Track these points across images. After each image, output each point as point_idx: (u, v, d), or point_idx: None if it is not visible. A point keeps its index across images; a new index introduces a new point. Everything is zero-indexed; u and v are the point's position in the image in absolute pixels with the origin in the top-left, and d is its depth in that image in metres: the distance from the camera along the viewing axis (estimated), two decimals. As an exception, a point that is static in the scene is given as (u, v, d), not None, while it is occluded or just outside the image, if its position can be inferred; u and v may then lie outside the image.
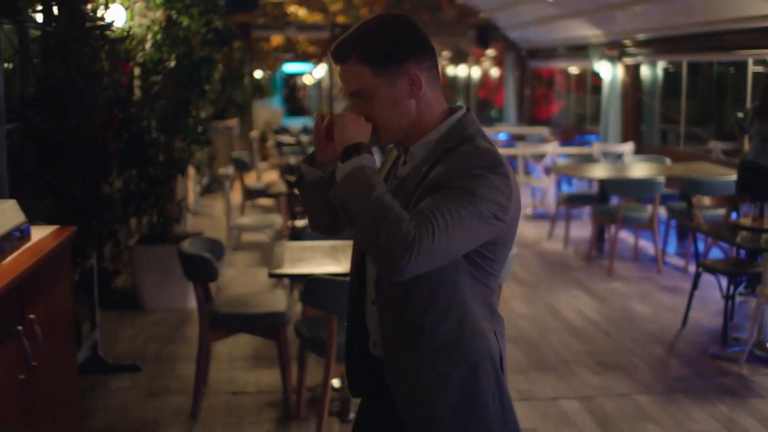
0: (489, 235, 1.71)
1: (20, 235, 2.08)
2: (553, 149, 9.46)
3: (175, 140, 5.79)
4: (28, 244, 2.12)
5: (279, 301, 4.11)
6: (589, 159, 9.36)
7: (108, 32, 3.94)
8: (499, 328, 1.87)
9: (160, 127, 5.53)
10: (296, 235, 4.57)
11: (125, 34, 4.25)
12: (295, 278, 4.03)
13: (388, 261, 1.58)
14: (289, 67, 29.03)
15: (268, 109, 20.57)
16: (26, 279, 1.91)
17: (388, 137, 1.83)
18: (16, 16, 3.45)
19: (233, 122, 13.00)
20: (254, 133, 12.57)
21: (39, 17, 4.05)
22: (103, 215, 4.71)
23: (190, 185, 8.93)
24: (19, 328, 1.89)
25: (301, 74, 31.42)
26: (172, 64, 5.45)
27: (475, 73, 17.44)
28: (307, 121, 19.22)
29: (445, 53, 18.20)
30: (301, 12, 16.12)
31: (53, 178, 3.72)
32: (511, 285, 6.46)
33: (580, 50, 11.71)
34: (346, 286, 3.38)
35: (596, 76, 11.54)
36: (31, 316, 1.95)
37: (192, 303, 5.61)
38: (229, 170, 7.24)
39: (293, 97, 33.53)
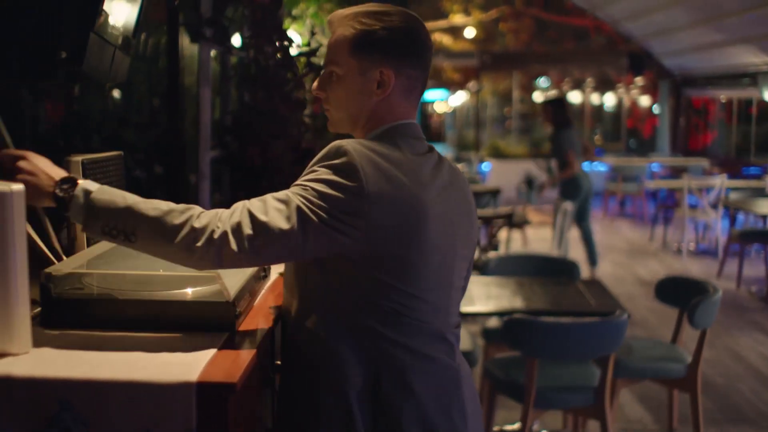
0: (331, 239, 1.49)
1: (264, 274, 2.04)
2: (722, 182, 8.96)
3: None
4: (269, 283, 2.08)
5: (464, 339, 4.00)
6: (760, 193, 8.82)
7: (313, 59, 3.98)
8: (391, 365, 1.57)
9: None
10: (479, 268, 4.44)
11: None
12: (479, 315, 3.90)
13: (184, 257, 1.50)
14: (429, 95, 29.22)
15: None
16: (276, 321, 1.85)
17: (334, 125, 1.70)
18: (226, 42, 3.53)
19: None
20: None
21: (235, 42, 4.14)
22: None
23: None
24: (270, 376, 1.83)
25: (437, 101, 31.55)
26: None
27: (623, 101, 16.92)
28: (441, 148, 19.20)
29: (589, 80, 17.78)
30: (445, 39, 16.14)
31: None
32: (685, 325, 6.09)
33: (742, 77, 11.12)
34: (549, 327, 3.28)
35: (750, 106, 10.90)
36: (278, 362, 1.88)
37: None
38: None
39: (427, 123, 33.79)
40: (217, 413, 1.39)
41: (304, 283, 1.61)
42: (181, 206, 1.51)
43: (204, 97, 3.81)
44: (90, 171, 2.08)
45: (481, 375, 3.94)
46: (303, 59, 4.18)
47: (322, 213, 1.47)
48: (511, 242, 7.94)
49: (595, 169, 14.95)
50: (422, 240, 1.56)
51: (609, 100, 17.73)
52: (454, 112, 29.12)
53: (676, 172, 11.67)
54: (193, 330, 1.62)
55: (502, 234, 7.38)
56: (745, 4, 9.15)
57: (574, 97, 17.35)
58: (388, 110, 1.63)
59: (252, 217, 1.47)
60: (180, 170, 3.59)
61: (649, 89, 15.41)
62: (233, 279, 1.81)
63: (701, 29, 10.65)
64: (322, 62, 4.59)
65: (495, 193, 8.21)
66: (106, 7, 2.02)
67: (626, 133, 16.57)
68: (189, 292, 1.70)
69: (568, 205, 6.85)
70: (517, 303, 3.69)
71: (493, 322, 4.18)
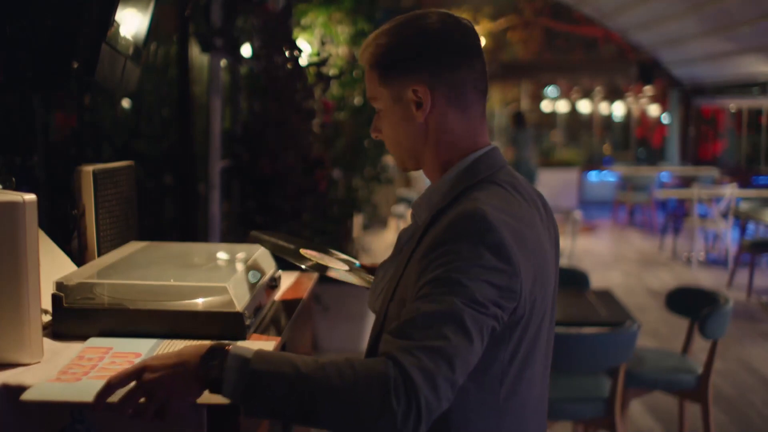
0: (492, 331, 1.25)
1: (275, 284, 2.04)
2: (732, 191, 8.92)
3: (353, 178, 5.83)
4: (279, 293, 2.08)
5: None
6: (770, 203, 8.79)
7: (323, 69, 4.00)
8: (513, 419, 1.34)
9: (340, 164, 5.58)
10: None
11: (340, 72, 4.32)
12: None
13: None
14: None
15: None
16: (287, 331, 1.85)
17: (399, 162, 1.48)
18: (236, 52, 3.55)
19: (391, 159, 13.11)
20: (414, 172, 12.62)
21: (245, 52, 4.16)
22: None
23: (357, 222, 9.01)
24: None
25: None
26: (356, 101, 5.50)
27: (632, 110, 16.90)
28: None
29: (598, 89, 17.76)
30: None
31: (258, 217, 3.78)
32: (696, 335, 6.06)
33: (752, 87, 11.09)
34: (560, 338, 3.25)
35: (760, 115, 10.87)
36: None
37: (365, 343, 5.56)
38: (400, 208, 7.24)
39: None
40: (228, 431, 1.39)
41: None
42: (363, 369, 1.16)
43: (214, 107, 3.82)
44: (101, 181, 2.09)
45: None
46: (313, 69, 4.19)
47: (489, 308, 1.22)
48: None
49: (605, 178, 14.94)
50: (548, 295, 1.40)
51: (618, 109, 17.70)
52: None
53: (685, 182, 11.64)
54: (203, 340, 1.62)
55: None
56: (756, 13, 9.13)
57: (584, 106, 17.34)
58: (445, 129, 1.40)
59: (439, 353, 1.16)
60: (190, 180, 3.60)
61: (659, 98, 15.39)
62: (243, 289, 1.82)
63: (711, 38, 10.64)
64: (331, 72, 4.64)
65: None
66: (117, 17, 2.04)
67: (636, 142, 16.54)
68: (199, 302, 1.70)
69: (577, 214, 6.84)
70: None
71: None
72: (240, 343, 1.43)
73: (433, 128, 1.40)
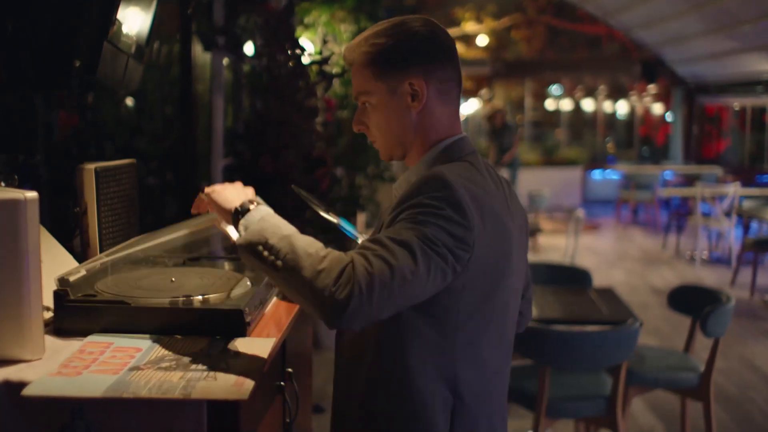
0: (444, 276, 1.42)
1: (274, 281, 2.04)
2: (735, 190, 8.92)
3: (356, 176, 5.83)
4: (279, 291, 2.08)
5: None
6: (774, 201, 8.78)
7: (325, 67, 3.99)
8: (464, 408, 1.51)
9: (342, 162, 5.58)
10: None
11: (342, 70, 4.32)
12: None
13: (319, 309, 1.36)
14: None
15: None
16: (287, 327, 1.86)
17: (386, 153, 1.63)
18: (238, 51, 3.56)
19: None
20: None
21: (247, 50, 4.16)
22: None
23: (360, 220, 9.02)
24: (281, 383, 1.83)
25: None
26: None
27: (636, 109, 16.87)
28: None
29: (602, 88, 17.74)
30: (458, 47, 16.11)
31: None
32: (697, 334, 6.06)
33: (756, 85, 11.08)
34: (561, 336, 3.27)
35: (764, 113, 10.85)
36: (289, 369, 1.89)
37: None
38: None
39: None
40: (227, 428, 1.40)
41: (394, 326, 1.48)
42: (323, 250, 1.42)
43: (216, 105, 3.83)
44: (103, 179, 2.10)
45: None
46: (315, 67, 4.20)
47: (441, 248, 1.40)
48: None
49: (608, 177, 14.93)
50: (508, 267, 1.55)
51: (622, 107, 17.68)
52: (467, 119, 29.15)
53: (689, 180, 11.62)
54: (204, 336, 1.63)
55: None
56: (759, 11, 9.12)
57: (587, 105, 17.32)
58: (432, 120, 1.58)
59: (383, 261, 1.36)
60: (192, 178, 3.61)
61: (662, 97, 15.36)
62: (243, 287, 1.82)
63: (715, 37, 10.62)
64: (334, 71, 4.64)
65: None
66: (119, 16, 2.04)
67: (639, 141, 16.51)
68: (200, 299, 1.71)
69: (580, 212, 6.84)
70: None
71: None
72: (240, 339, 1.60)
73: (423, 118, 1.58)
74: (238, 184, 1.66)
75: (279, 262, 1.40)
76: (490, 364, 1.56)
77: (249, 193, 1.64)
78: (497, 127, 11.82)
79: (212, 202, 1.63)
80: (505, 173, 11.15)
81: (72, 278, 1.69)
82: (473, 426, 1.54)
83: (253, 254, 1.44)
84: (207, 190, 1.66)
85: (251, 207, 1.55)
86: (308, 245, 1.42)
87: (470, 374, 1.52)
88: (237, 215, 1.55)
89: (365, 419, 1.54)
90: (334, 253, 1.40)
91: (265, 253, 1.42)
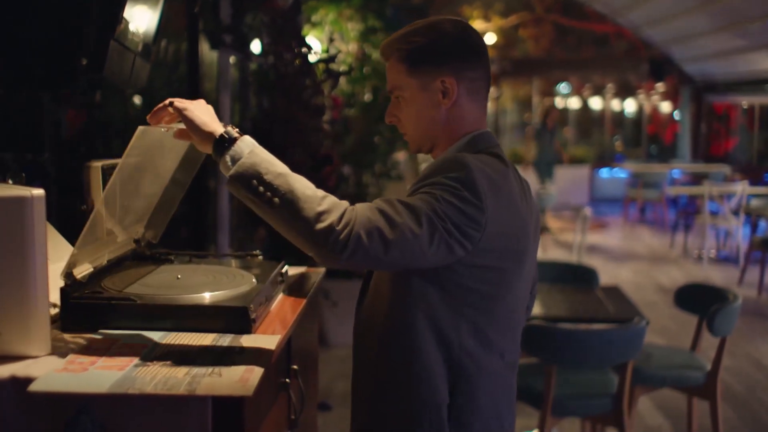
0: (450, 250, 1.48)
1: (282, 279, 2.05)
2: (743, 188, 8.89)
3: (363, 174, 5.83)
4: (285, 288, 2.08)
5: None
6: (783, 199, 8.74)
7: (332, 66, 4.00)
8: (465, 379, 1.58)
9: (349, 161, 5.58)
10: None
11: (349, 69, 4.32)
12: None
13: (315, 249, 1.43)
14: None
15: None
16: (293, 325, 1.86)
17: (414, 145, 1.70)
18: (245, 49, 3.56)
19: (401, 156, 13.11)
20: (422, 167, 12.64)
21: (254, 49, 4.17)
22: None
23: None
24: (286, 380, 1.84)
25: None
26: (366, 97, 5.50)
27: (644, 107, 16.82)
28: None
29: (610, 86, 17.70)
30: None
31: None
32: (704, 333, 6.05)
33: (764, 84, 11.03)
34: (568, 334, 3.26)
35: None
36: (294, 366, 1.89)
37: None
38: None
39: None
40: (232, 424, 1.41)
41: (404, 290, 1.57)
42: (320, 191, 1.48)
43: (223, 103, 3.84)
44: (109, 176, 2.10)
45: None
46: (322, 66, 4.20)
47: (447, 223, 1.47)
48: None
49: (616, 175, 14.89)
50: (521, 254, 1.61)
51: (630, 106, 17.64)
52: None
53: (697, 179, 11.58)
54: (210, 333, 1.64)
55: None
56: (764, 11, 9.07)
57: (595, 103, 17.28)
58: (461, 116, 1.65)
59: (386, 216, 1.45)
60: (199, 176, 3.61)
61: (671, 95, 15.31)
62: (249, 284, 1.83)
63: (723, 35, 10.58)
64: (341, 69, 4.64)
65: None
66: (126, 14, 2.05)
67: (647, 139, 16.47)
68: (206, 296, 1.72)
69: (587, 211, 6.83)
70: (536, 310, 3.67)
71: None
72: (245, 336, 1.62)
73: (452, 114, 1.65)
74: (202, 102, 1.61)
75: (276, 200, 1.43)
76: (497, 345, 1.61)
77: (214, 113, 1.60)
78: (549, 127, 12.06)
79: (187, 120, 1.56)
80: (545, 172, 11.82)
81: (78, 275, 1.70)
82: (473, 398, 1.59)
83: (246, 188, 1.45)
84: (178, 104, 1.57)
85: (237, 136, 1.52)
86: (306, 186, 1.46)
87: (474, 349, 1.57)
88: (222, 143, 1.51)
89: (377, 377, 1.63)
90: (332, 197, 1.46)
91: (261, 188, 1.44)
